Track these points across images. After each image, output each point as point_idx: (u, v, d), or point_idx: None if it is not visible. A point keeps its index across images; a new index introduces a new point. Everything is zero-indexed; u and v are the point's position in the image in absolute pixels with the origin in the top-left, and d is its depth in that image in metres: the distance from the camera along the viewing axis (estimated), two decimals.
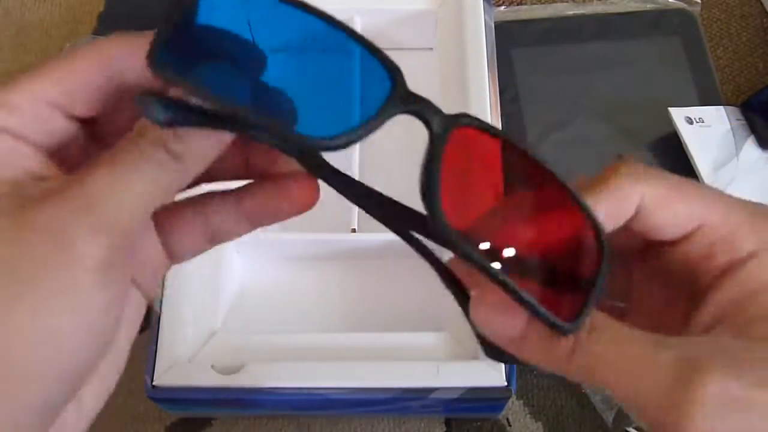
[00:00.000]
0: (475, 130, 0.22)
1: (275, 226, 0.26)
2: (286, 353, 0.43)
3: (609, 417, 0.46)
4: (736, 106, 0.55)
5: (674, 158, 0.53)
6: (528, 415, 0.47)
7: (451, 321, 0.43)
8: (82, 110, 0.23)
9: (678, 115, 0.53)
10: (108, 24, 0.60)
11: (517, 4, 0.61)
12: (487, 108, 0.47)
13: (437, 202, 0.20)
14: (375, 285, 0.48)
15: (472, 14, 0.51)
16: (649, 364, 0.20)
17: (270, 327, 0.47)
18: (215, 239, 0.26)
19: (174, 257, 0.25)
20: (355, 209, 0.46)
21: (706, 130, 0.53)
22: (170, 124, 0.20)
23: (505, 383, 0.40)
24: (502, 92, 0.50)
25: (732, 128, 0.53)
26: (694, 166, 0.52)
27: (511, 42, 0.57)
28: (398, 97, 0.21)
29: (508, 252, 0.21)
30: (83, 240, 0.19)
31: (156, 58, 0.19)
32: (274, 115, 0.21)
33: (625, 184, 0.23)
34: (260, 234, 0.48)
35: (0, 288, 0.19)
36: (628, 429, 0.45)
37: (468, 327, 0.24)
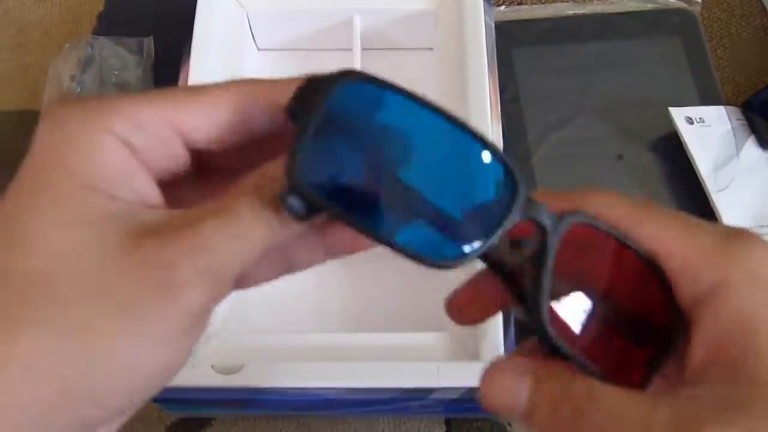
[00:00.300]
0: (583, 227, 0.23)
1: None
2: (286, 353, 0.42)
3: None
4: (737, 106, 0.55)
5: (674, 158, 0.53)
6: None
7: (451, 321, 0.43)
8: (203, 143, 0.22)
9: (678, 114, 0.53)
10: (108, 24, 0.60)
11: (517, 4, 0.61)
12: (487, 108, 0.47)
13: (543, 307, 0.22)
14: (375, 285, 0.48)
15: (472, 14, 0.51)
16: (649, 428, 0.19)
17: (270, 327, 0.47)
18: (291, 268, 0.25)
19: (243, 284, 0.24)
20: None
21: (707, 130, 0.53)
22: (309, 218, 0.20)
23: None
24: (502, 92, 0.50)
25: (732, 128, 0.53)
26: (694, 166, 0.52)
27: (511, 42, 0.57)
28: (521, 210, 0.21)
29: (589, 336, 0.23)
30: (190, 284, 0.19)
31: (298, 172, 0.19)
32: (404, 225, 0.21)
33: (586, 195, 0.23)
34: None
35: (99, 311, 0.19)
36: None
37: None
